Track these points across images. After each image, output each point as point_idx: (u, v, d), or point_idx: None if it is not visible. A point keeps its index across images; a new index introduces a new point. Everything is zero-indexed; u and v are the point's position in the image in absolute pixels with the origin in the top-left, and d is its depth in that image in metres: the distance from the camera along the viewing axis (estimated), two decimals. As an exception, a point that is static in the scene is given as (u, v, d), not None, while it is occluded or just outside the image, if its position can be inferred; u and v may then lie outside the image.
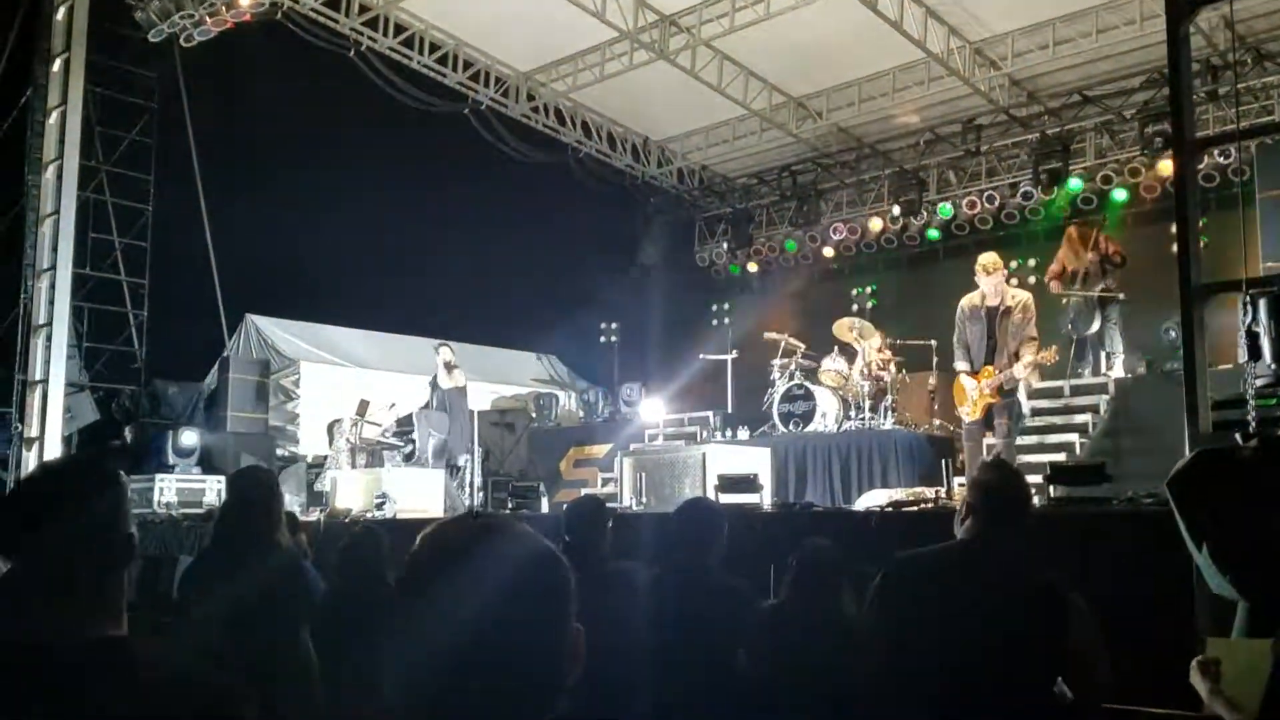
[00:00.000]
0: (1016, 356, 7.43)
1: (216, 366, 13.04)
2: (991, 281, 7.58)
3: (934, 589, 2.96)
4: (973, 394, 7.52)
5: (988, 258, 7.72)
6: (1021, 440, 8.23)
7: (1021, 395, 8.01)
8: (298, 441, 13.29)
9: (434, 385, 11.73)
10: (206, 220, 13.21)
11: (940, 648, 2.85)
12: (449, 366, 11.64)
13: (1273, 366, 5.85)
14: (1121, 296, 9.68)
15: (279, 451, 12.58)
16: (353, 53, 11.31)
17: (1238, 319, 4.97)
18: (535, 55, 12.49)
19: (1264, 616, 3.28)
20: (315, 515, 9.61)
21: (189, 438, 11.56)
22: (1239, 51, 10.19)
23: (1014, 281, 12.64)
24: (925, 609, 2.92)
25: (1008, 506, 3.02)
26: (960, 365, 7.71)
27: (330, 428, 12.33)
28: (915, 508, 6.28)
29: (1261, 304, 5.64)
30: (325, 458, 12.18)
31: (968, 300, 7.74)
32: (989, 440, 7.77)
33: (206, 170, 13.19)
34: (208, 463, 11.52)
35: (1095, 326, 9.39)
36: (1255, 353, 4.71)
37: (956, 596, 2.89)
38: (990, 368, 7.49)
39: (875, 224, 14.00)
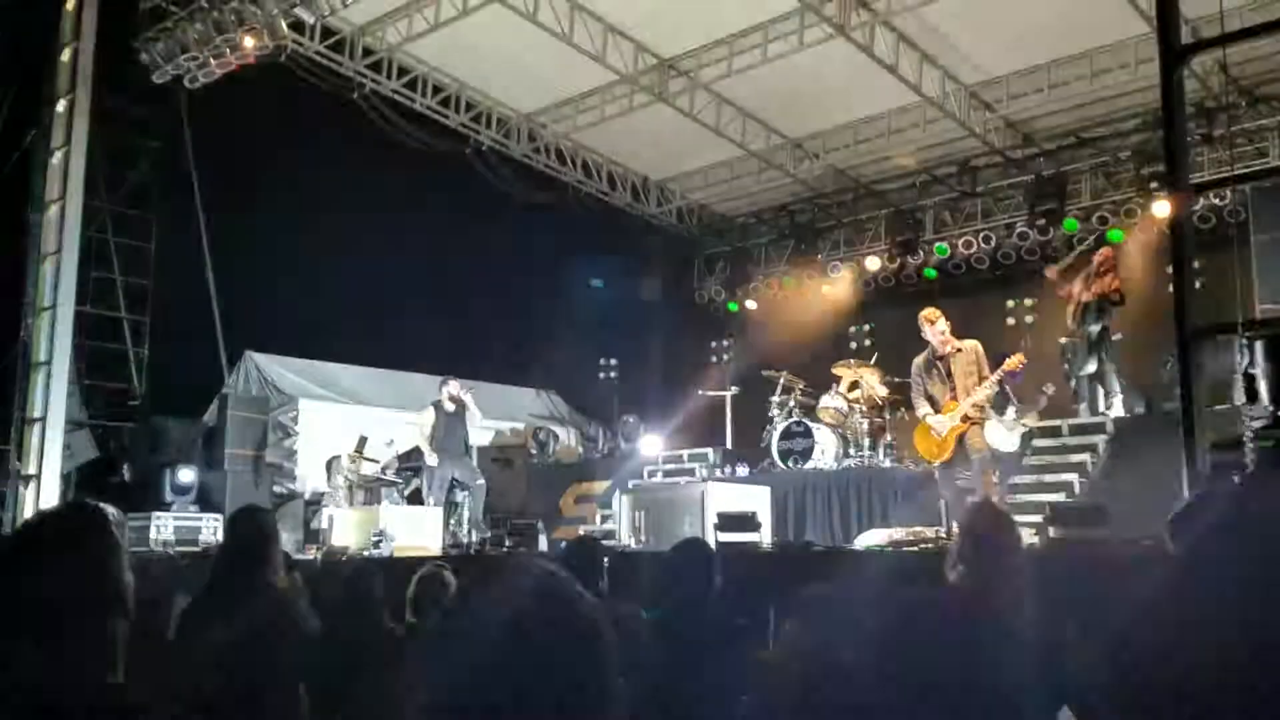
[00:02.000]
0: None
1: (215, 403, 13.02)
2: (934, 330, 7.75)
3: (932, 635, 2.97)
4: (941, 429, 7.57)
5: (927, 311, 7.90)
6: (1021, 479, 8.23)
7: (1001, 441, 8.05)
8: (295, 478, 13.24)
9: (460, 420, 11.17)
10: (208, 258, 13.27)
11: (941, 694, 2.85)
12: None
13: (1270, 408, 5.89)
14: (1118, 337, 9.71)
15: (276, 489, 12.54)
16: (356, 95, 11.45)
17: (1234, 360, 5.00)
18: (537, 97, 12.64)
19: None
20: (312, 553, 9.57)
21: (187, 475, 11.52)
22: (1233, 95, 10.30)
23: (1010, 321, 12.83)
24: (924, 655, 2.93)
25: (997, 550, 3.04)
26: (921, 410, 7.80)
27: (328, 465, 12.29)
28: (915, 548, 6.26)
29: (1258, 346, 5.70)
30: (323, 495, 12.14)
31: (920, 358, 7.93)
32: (964, 479, 7.81)
33: (209, 209, 13.27)
34: (205, 500, 11.48)
35: (1092, 367, 9.42)
36: (1252, 394, 4.75)
37: (955, 642, 2.90)
38: (952, 403, 7.60)
39: (872, 263, 14.07)
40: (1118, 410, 9.29)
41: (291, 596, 3.57)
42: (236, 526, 3.80)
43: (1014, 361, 7.76)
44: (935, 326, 7.74)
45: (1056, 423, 9.18)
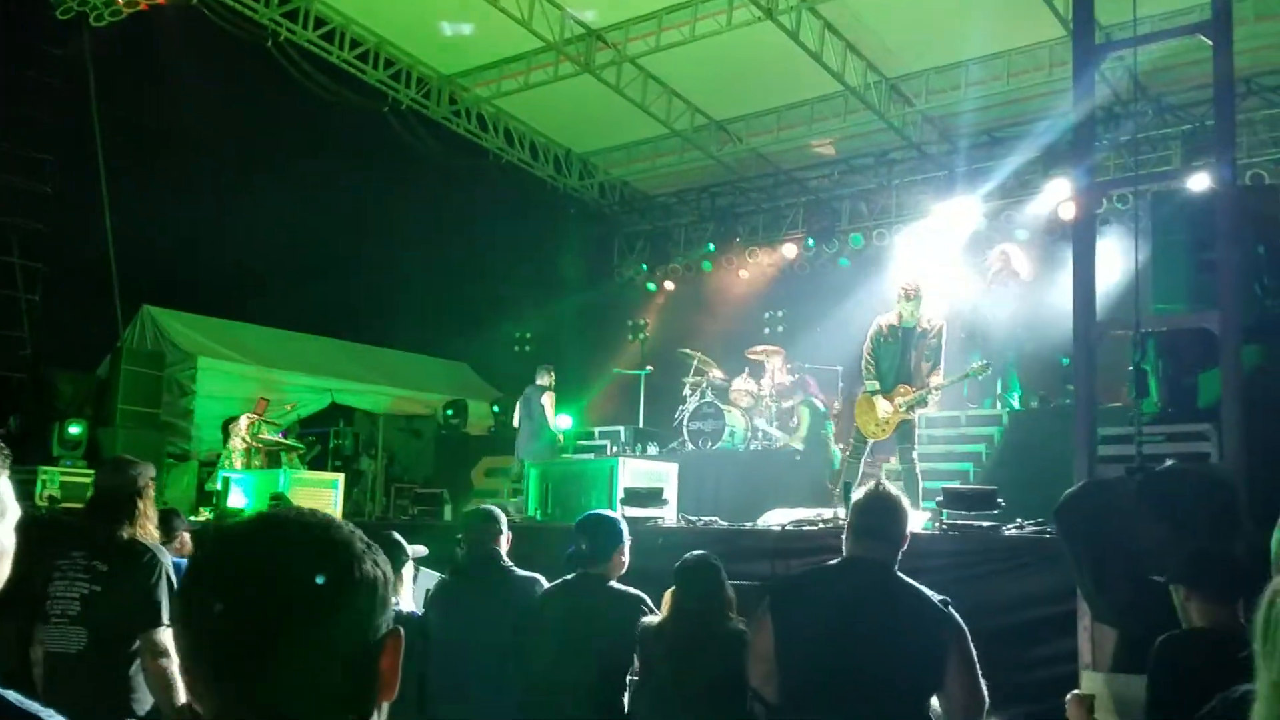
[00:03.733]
0: (928, 378, 7.60)
1: (109, 357, 12.55)
2: (912, 305, 7.63)
3: (815, 604, 3.05)
4: (885, 413, 7.61)
5: (913, 281, 7.77)
6: (921, 465, 8.40)
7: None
8: (191, 438, 12.86)
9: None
10: (107, 205, 12.71)
11: (822, 660, 2.94)
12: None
13: (1159, 403, 6.12)
14: (1017, 332, 9.93)
15: (170, 448, 12.15)
16: (270, 44, 11.06)
17: (1128, 358, 5.17)
18: (459, 59, 12.37)
19: (1139, 646, 3.40)
20: (205, 515, 9.31)
21: (76, 429, 11.10)
22: (1140, 103, 10.65)
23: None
24: (807, 623, 3.02)
25: (881, 527, 3.13)
26: (871, 385, 7.77)
27: (226, 426, 11.96)
28: (815, 526, 6.36)
29: (1150, 344, 5.91)
30: (219, 456, 11.81)
31: (884, 320, 7.75)
32: (891, 463, 7.92)
33: (111, 153, 12.71)
34: (95, 456, 11.05)
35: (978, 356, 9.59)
36: (1143, 389, 4.92)
37: (835, 612, 2.98)
38: (905, 386, 7.59)
39: (789, 249, 14.22)
40: (1014, 403, 9.55)
41: (155, 554, 3.43)
42: (99, 477, 3.64)
43: (979, 367, 7.85)
44: (914, 300, 7.54)
45: (954, 413, 9.40)
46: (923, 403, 7.65)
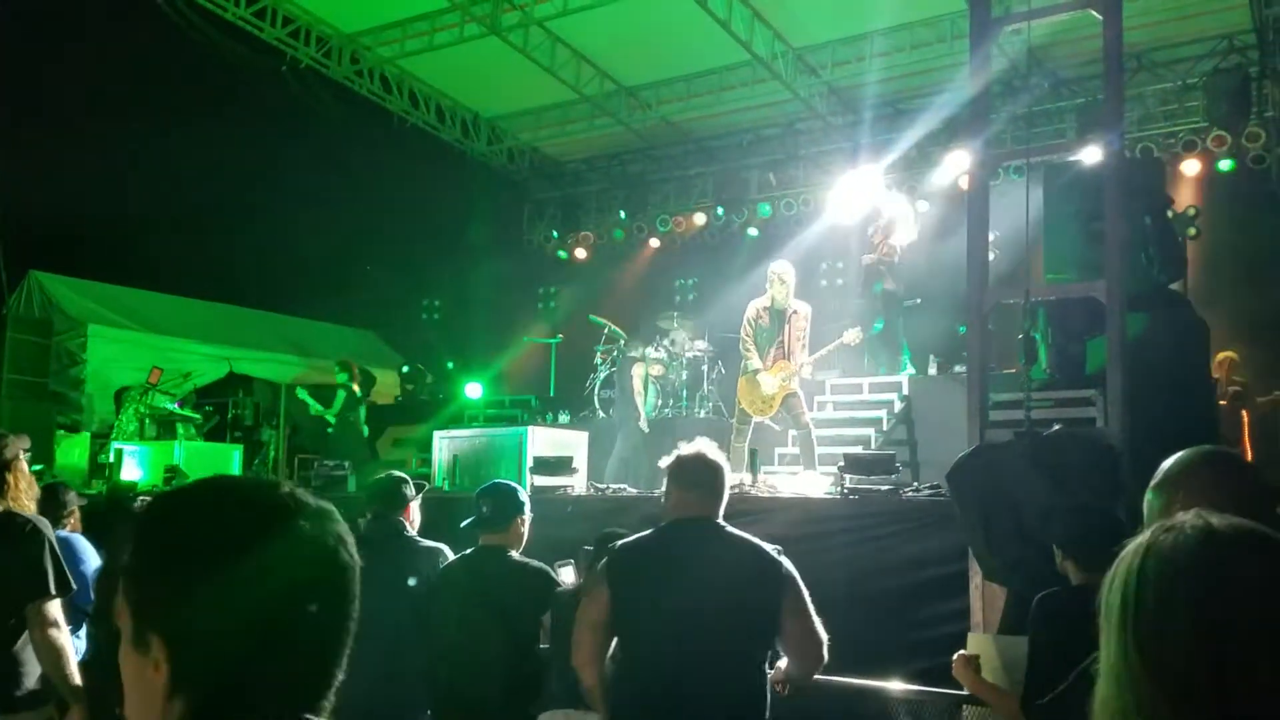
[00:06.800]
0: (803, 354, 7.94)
1: (-8, 326, 11.99)
2: (787, 287, 7.91)
3: (650, 569, 3.07)
4: (770, 390, 7.80)
5: (784, 267, 8.02)
6: (820, 432, 8.59)
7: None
8: (82, 409, 12.37)
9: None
10: (-12, 165, 12.04)
11: (660, 622, 2.97)
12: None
13: (1048, 370, 6.35)
14: (918, 301, 10.15)
15: (60, 419, 11.67)
16: (161, -1, 10.57)
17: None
18: (361, 17, 11.97)
19: (1026, 604, 3.54)
20: (97, 488, 9.01)
21: (-45, 402, 10.60)
22: (1036, 76, 10.93)
23: (823, 283, 13.27)
24: (643, 587, 3.04)
25: (703, 479, 3.14)
26: (753, 364, 7.93)
27: (118, 396, 11.55)
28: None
29: (1040, 313, 6.12)
30: (112, 428, 11.40)
31: (759, 303, 8.03)
32: (791, 432, 8.09)
33: (-9, 111, 12.03)
34: (-24, 430, 10.56)
35: (880, 327, 9.84)
36: (1032, 356, 5.10)
37: (670, 573, 3.01)
38: (783, 362, 7.82)
39: (699, 218, 14.29)
40: (911, 370, 9.80)
41: (37, 523, 3.32)
42: None
43: (852, 335, 8.03)
44: (788, 284, 7.87)
45: (856, 380, 9.62)
46: (803, 375, 7.92)
